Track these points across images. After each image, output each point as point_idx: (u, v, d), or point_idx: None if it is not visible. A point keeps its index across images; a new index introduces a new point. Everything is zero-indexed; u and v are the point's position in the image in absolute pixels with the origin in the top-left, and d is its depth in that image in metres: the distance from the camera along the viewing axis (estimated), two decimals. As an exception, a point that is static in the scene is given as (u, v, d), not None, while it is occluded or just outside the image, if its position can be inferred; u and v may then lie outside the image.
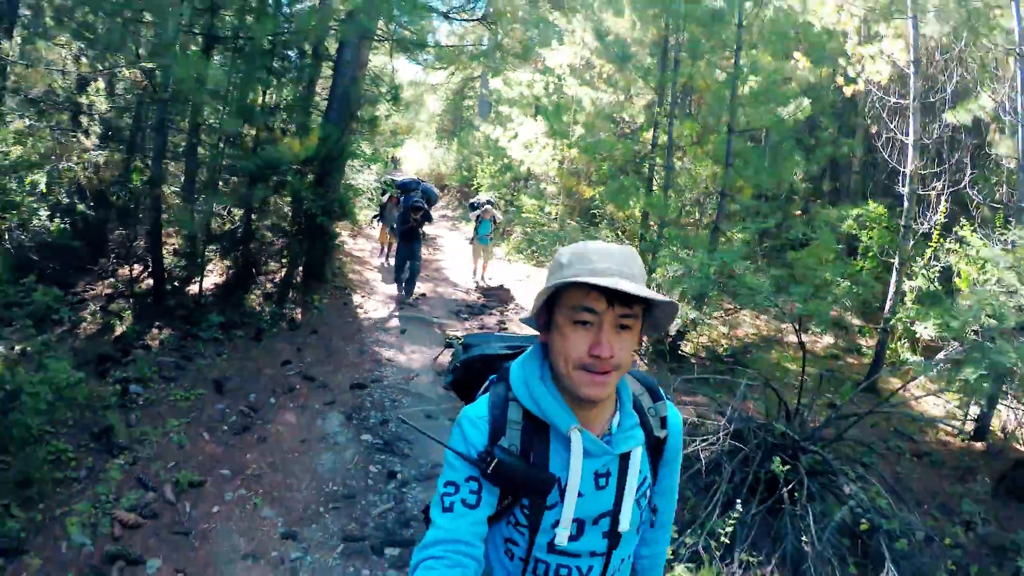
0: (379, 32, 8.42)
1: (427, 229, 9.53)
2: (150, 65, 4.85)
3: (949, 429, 6.35)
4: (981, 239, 6.54)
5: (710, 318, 6.84)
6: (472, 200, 10.58)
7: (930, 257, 7.50)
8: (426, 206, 8.51)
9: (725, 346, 7.45)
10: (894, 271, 6.87)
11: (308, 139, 5.68)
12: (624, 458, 1.22)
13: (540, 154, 10.04)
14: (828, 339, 8.81)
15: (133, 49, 5.62)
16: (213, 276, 7.21)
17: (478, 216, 9.75)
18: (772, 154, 7.17)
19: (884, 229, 7.91)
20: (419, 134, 22.04)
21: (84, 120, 6.93)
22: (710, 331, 7.65)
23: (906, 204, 6.87)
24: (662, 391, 1.34)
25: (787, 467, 3.69)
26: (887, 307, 6.95)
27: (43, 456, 3.47)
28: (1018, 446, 6.12)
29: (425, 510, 1.21)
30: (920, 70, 7.14)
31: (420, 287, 8.89)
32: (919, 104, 7.00)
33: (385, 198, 10.60)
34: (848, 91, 8.79)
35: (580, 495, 1.17)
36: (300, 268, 7.83)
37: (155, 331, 5.80)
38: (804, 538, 3.44)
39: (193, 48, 4.07)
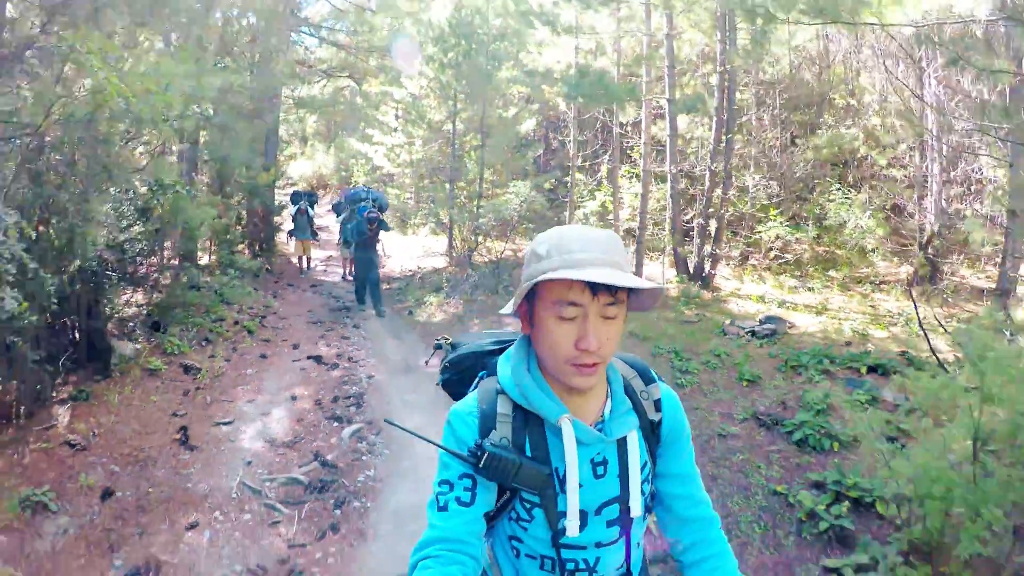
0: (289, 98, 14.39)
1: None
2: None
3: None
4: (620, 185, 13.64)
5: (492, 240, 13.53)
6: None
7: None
8: (380, 216, 8.83)
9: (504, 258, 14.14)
10: (570, 205, 13.85)
11: (270, 173, 11.63)
12: (621, 443, 1.22)
13: (394, 161, 16.10)
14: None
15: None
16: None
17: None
18: (513, 152, 13.95)
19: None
20: (305, 144, 26.93)
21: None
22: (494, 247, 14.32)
23: (572, 173, 13.81)
24: (654, 373, 1.33)
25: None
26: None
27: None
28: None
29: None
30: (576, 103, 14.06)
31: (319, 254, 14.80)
32: (577, 119, 13.96)
33: (294, 210, 12.49)
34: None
35: (580, 485, 1.17)
36: (260, 243, 13.74)
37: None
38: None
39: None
